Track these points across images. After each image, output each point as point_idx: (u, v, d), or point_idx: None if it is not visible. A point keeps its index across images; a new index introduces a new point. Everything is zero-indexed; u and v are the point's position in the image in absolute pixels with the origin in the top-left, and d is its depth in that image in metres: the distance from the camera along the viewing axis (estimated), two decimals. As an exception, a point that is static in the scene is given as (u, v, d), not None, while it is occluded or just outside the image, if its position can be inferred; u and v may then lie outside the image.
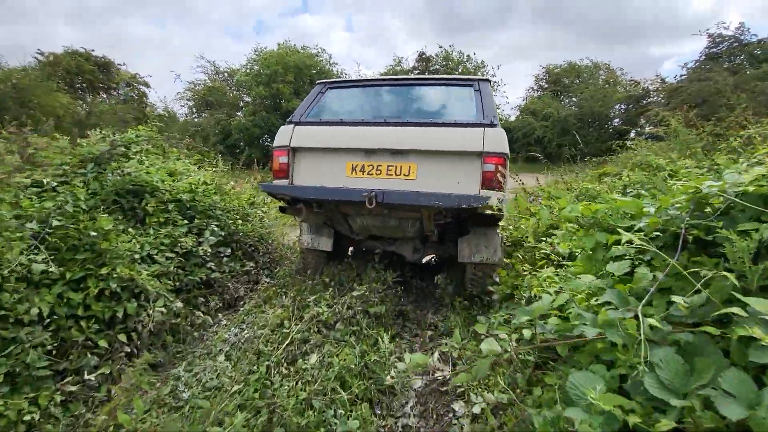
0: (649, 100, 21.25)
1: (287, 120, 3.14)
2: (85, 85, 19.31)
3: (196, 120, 18.95)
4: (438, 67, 23.64)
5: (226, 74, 22.30)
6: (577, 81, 25.54)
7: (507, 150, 2.63)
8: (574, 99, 24.97)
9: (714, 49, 20.11)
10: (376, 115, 3.17)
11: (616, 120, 23.32)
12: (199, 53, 37.83)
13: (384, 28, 55.54)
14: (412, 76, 3.67)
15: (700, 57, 20.42)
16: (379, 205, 2.56)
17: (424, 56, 23.80)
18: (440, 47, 23.88)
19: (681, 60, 58.94)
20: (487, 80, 3.14)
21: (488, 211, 2.37)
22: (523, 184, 4.86)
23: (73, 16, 42.18)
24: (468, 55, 23.63)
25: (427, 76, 3.79)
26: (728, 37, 19.61)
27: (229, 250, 3.65)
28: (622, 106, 22.15)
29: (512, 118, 25.39)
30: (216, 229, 3.54)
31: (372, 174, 2.80)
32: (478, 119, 2.75)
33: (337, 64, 20.39)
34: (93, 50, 19.43)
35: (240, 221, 3.87)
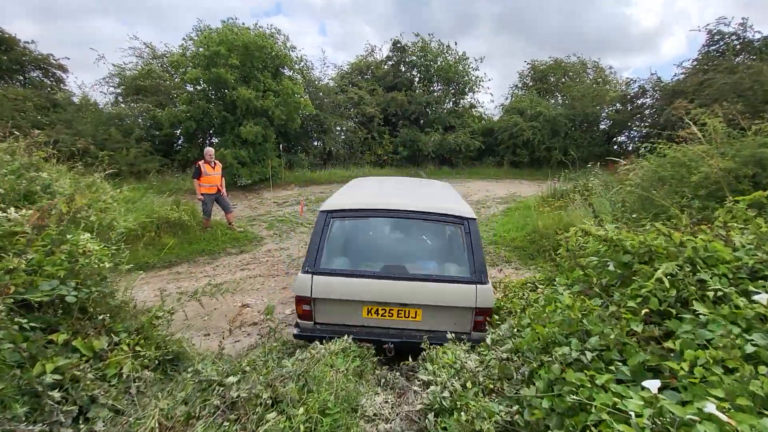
0: (644, 100, 19.35)
1: (303, 269, 3.22)
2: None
3: (117, 110, 15.18)
4: (414, 58, 20.93)
5: (165, 58, 18.64)
6: (565, 79, 23.42)
7: (493, 303, 3.14)
8: (560, 98, 22.82)
9: (713, 47, 18.50)
10: (380, 256, 3.54)
11: (605, 122, 21.33)
12: (132, 34, 30.93)
13: (356, 33, 52.70)
14: (407, 209, 3.34)
15: (698, 55, 18.79)
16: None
17: (399, 45, 21.03)
18: (416, 35, 21.21)
19: (635, 71, 58.80)
20: (474, 219, 3.38)
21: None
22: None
23: (36, 11, 36.16)
24: (448, 45, 21.07)
25: (420, 209, 3.37)
26: (729, 34, 18.01)
27: None
28: (616, 107, 20.08)
29: (496, 118, 23.02)
30: None
31: (385, 316, 3.24)
32: (471, 276, 3.16)
33: (295, 48, 17.21)
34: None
35: None
